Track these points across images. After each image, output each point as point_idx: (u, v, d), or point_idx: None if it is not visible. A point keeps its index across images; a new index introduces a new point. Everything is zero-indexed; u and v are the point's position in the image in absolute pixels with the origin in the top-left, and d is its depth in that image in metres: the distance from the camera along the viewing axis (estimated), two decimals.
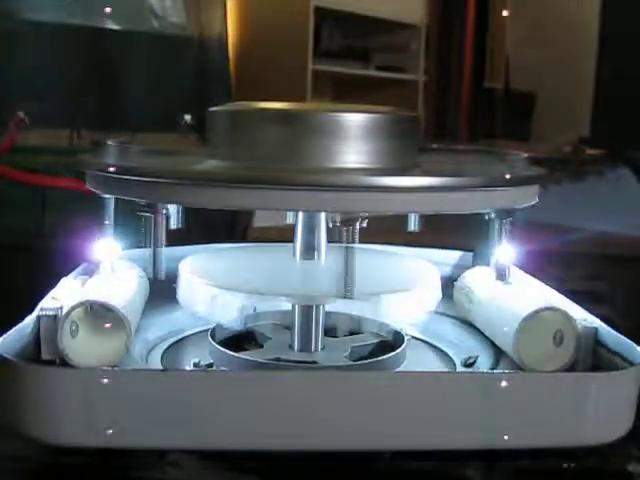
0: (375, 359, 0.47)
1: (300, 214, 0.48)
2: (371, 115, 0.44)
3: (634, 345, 0.42)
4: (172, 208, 0.46)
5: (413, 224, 0.50)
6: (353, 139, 0.43)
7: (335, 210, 0.42)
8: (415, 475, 0.40)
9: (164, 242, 0.46)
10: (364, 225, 0.42)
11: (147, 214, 0.45)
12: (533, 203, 0.47)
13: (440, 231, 0.63)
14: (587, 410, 0.41)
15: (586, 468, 0.41)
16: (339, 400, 0.39)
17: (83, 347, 0.41)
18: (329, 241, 0.49)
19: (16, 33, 1.39)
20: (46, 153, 1.07)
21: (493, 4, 2.65)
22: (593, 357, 0.44)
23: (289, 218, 0.50)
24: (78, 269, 0.52)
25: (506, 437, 0.40)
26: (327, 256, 0.49)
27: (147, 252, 0.49)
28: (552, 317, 0.44)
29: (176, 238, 0.49)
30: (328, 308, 0.50)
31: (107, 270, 0.49)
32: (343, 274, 0.42)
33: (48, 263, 0.57)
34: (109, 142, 0.46)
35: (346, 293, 0.43)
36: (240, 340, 0.50)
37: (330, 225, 0.44)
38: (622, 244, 1.03)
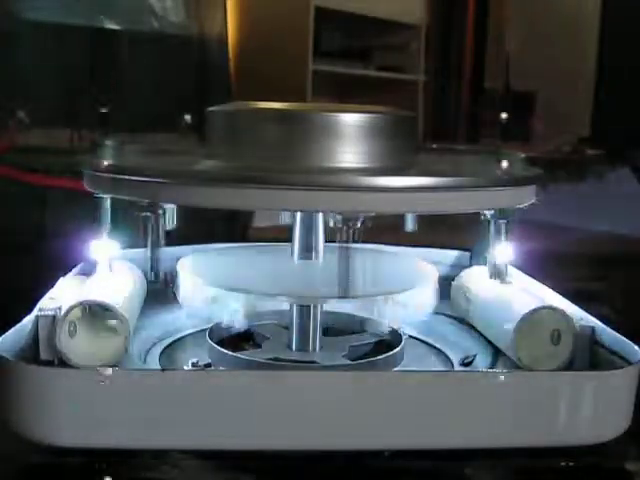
0: (373, 358, 0.47)
1: (298, 214, 0.48)
2: (368, 115, 0.44)
3: (632, 344, 0.43)
4: (169, 208, 0.46)
5: (409, 224, 0.50)
6: (351, 139, 0.43)
7: (333, 210, 0.42)
8: (414, 475, 0.41)
9: (162, 242, 0.46)
10: (368, 225, 0.42)
11: (145, 214, 0.45)
12: (531, 203, 0.47)
13: (437, 230, 0.63)
14: (585, 409, 0.41)
15: (585, 467, 0.41)
16: (338, 399, 0.39)
17: (82, 347, 0.41)
18: (329, 241, 0.49)
19: (16, 33, 1.39)
20: (46, 153, 1.07)
21: (493, 4, 2.65)
22: (591, 356, 0.44)
23: (284, 218, 0.50)
24: (76, 269, 0.52)
25: (504, 436, 0.40)
26: (325, 256, 0.49)
27: (145, 252, 0.50)
28: (550, 316, 0.44)
29: (175, 238, 0.49)
30: (326, 308, 0.50)
31: (105, 270, 0.49)
32: (341, 274, 0.43)
33: (48, 263, 0.57)
34: (108, 142, 0.46)
35: (344, 293, 0.43)
36: (238, 340, 0.51)
37: (332, 224, 0.44)
38: (622, 244, 1.03)
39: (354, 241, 0.43)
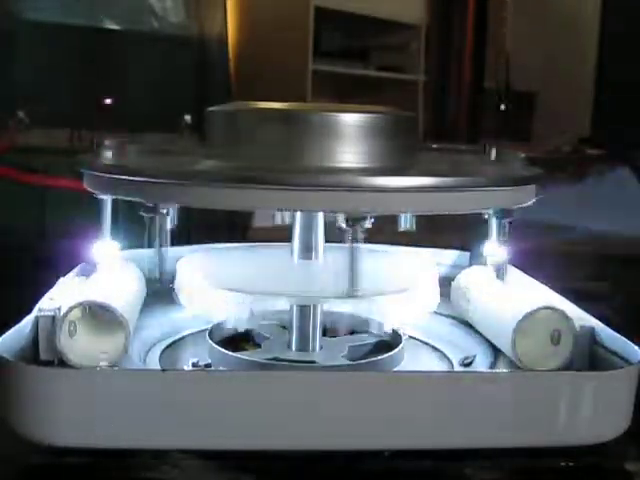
0: (373, 359, 0.47)
1: (298, 214, 0.48)
2: (368, 115, 0.44)
3: (631, 344, 0.43)
4: (170, 208, 0.46)
5: (407, 223, 0.50)
6: (350, 139, 0.43)
7: (333, 210, 0.42)
8: (414, 475, 0.41)
9: (165, 242, 0.46)
10: (368, 225, 0.42)
11: (148, 215, 0.45)
12: (531, 203, 0.47)
13: (436, 230, 0.63)
14: (585, 409, 0.41)
15: (584, 467, 0.41)
16: (337, 400, 0.39)
17: (81, 347, 0.41)
18: (329, 241, 0.49)
19: (16, 33, 1.39)
20: (46, 153, 1.07)
21: (493, 4, 2.65)
22: (590, 356, 0.44)
23: (284, 218, 0.50)
24: (76, 269, 0.52)
25: (504, 436, 0.40)
26: (325, 256, 0.49)
27: (144, 252, 0.49)
28: (550, 316, 0.44)
29: (175, 238, 0.49)
30: (326, 308, 0.50)
31: (105, 270, 0.49)
32: (341, 274, 0.43)
33: (48, 263, 0.57)
34: (107, 142, 0.46)
35: (344, 293, 0.43)
36: (238, 340, 0.51)
37: (337, 225, 0.44)
38: (622, 244, 1.03)
39: (356, 241, 0.43)
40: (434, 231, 0.60)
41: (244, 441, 0.40)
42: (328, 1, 2.21)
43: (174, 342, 0.53)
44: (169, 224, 0.46)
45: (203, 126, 0.47)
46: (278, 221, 0.49)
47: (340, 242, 0.45)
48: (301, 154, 0.44)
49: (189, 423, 0.39)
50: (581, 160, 1.68)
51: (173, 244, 0.49)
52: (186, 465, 0.40)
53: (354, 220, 0.42)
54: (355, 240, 0.42)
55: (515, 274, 0.54)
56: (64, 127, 1.22)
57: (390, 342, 0.50)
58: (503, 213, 0.49)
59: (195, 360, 0.48)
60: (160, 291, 0.51)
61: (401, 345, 0.49)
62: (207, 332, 0.49)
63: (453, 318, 0.55)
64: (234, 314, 0.48)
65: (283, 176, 0.40)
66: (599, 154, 1.71)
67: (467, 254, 0.61)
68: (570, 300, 0.49)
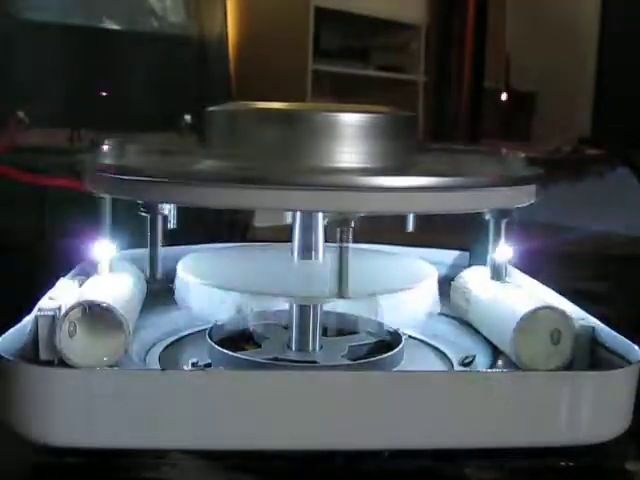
0: (373, 358, 0.47)
1: (298, 214, 0.48)
2: (368, 115, 0.44)
3: (631, 344, 0.43)
4: (169, 208, 0.46)
5: (409, 224, 0.50)
6: (351, 139, 0.43)
7: (333, 210, 0.42)
8: (414, 475, 0.41)
9: (162, 242, 0.46)
10: (352, 226, 0.42)
11: (145, 214, 0.45)
12: (531, 203, 0.47)
13: (436, 230, 0.63)
14: (585, 409, 0.41)
15: (584, 467, 0.41)
16: (338, 399, 0.39)
17: (81, 347, 0.41)
18: (327, 241, 0.49)
19: (16, 33, 1.39)
20: (46, 153, 1.07)
21: (493, 4, 2.65)
22: (591, 356, 0.44)
23: (288, 218, 0.50)
24: (75, 269, 0.52)
25: (504, 436, 0.40)
26: (325, 256, 0.49)
27: (145, 252, 0.49)
28: (550, 316, 0.44)
29: (175, 238, 0.49)
30: (326, 308, 0.50)
31: (105, 270, 0.49)
32: (340, 274, 0.43)
33: (48, 263, 0.57)
34: (107, 142, 0.46)
35: (343, 293, 0.43)
36: (238, 340, 0.51)
37: (325, 223, 0.44)
38: (622, 244, 1.03)
39: (347, 242, 0.42)
40: (434, 231, 0.60)
41: (244, 441, 0.40)
42: (328, 1, 2.22)
43: (174, 342, 0.53)
44: (168, 224, 0.46)
45: (203, 126, 0.47)
46: (289, 220, 0.49)
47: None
48: (301, 154, 0.43)
49: (189, 423, 0.39)
50: (581, 160, 1.68)
51: (173, 244, 0.49)
52: (186, 465, 0.40)
53: (342, 221, 0.42)
54: (342, 240, 0.42)
55: (515, 274, 0.54)
56: (64, 127, 1.22)
57: (390, 342, 0.50)
58: (503, 213, 0.49)
59: (195, 360, 0.48)
60: (161, 291, 0.51)
61: (401, 345, 0.49)
62: (207, 332, 0.49)
63: (453, 318, 0.55)
64: (234, 314, 0.48)
65: (283, 176, 0.40)
66: (599, 154, 1.71)
67: (467, 254, 0.61)
68: (570, 300, 0.49)
